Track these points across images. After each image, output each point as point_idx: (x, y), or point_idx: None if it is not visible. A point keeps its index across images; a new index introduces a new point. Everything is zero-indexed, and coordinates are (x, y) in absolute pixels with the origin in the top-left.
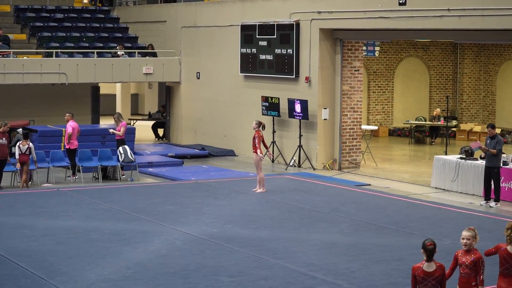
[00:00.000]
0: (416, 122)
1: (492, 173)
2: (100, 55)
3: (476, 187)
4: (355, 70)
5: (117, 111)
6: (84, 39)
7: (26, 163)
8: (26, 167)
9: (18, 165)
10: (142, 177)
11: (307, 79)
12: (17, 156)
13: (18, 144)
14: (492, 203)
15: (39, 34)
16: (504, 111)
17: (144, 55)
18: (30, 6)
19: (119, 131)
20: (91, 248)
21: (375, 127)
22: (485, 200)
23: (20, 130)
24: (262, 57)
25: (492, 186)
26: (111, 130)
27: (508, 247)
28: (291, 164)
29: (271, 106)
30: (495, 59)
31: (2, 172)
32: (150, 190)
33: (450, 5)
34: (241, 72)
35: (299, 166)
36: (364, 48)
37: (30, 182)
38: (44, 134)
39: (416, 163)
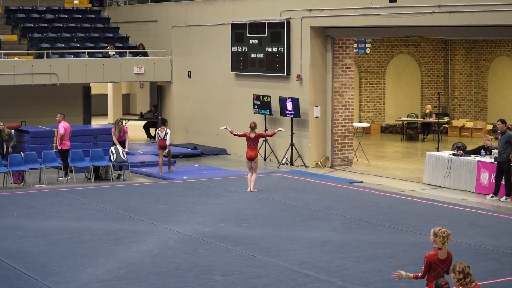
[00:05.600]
0: (408, 119)
1: (503, 168)
2: (91, 55)
3: (468, 183)
4: (346, 68)
5: (116, 118)
6: (75, 40)
7: (164, 147)
8: (162, 151)
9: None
10: (134, 177)
11: (298, 77)
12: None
13: (157, 130)
14: (503, 198)
15: (30, 35)
16: (496, 107)
17: (135, 55)
18: (20, 7)
19: (122, 137)
20: (83, 249)
21: (367, 124)
22: (493, 194)
23: (12, 131)
24: (253, 55)
25: (503, 181)
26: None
27: None
28: (283, 162)
29: (262, 104)
30: (486, 55)
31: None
32: (143, 190)
33: (441, 1)
34: (232, 71)
35: (291, 164)
36: (355, 45)
37: (22, 183)
38: (36, 135)
39: (408, 160)
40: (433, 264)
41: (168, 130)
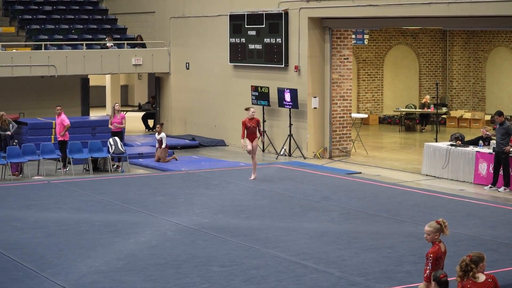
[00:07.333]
0: (406, 109)
1: (501, 158)
2: (89, 47)
3: (466, 174)
4: (344, 59)
5: (116, 102)
6: (73, 31)
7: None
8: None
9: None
10: (132, 168)
11: (297, 68)
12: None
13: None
14: (501, 188)
15: (28, 26)
16: (494, 98)
17: (133, 46)
18: None
19: (120, 123)
20: (82, 240)
21: (365, 115)
22: (491, 184)
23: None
24: (251, 46)
25: (501, 171)
26: (111, 126)
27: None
28: (281, 153)
29: (260, 95)
30: (484, 46)
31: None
32: (141, 181)
33: None
34: (230, 62)
35: (290, 155)
36: (353, 36)
37: (20, 175)
38: (34, 127)
39: (406, 151)
40: (438, 259)
41: (163, 135)
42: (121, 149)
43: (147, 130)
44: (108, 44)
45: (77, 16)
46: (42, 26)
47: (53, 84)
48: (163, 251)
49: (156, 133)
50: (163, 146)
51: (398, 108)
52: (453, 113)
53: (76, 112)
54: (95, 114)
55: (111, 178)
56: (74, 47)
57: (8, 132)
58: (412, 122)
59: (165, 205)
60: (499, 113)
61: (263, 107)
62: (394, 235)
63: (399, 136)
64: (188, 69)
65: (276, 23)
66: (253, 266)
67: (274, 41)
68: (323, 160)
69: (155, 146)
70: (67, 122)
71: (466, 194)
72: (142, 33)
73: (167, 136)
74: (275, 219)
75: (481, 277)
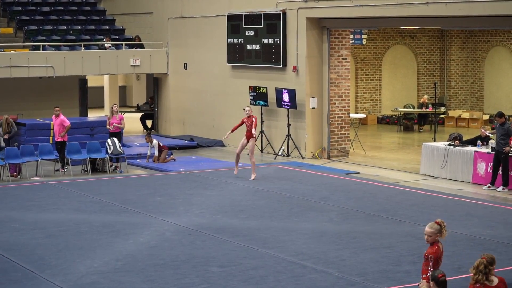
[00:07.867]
0: (405, 109)
1: (500, 158)
2: (87, 47)
3: (464, 174)
4: (342, 59)
5: (114, 103)
6: (71, 32)
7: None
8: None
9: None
10: (131, 169)
11: (295, 68)
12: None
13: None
14: (500, 188)
15: (26, 27)
16: (492, 97)
17: (131, 47)
18: (16, 0)
19: (119, 123)
20: (80, 241)
21: (364, 115)
22: (490, 183)
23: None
24: (249, 47)
25: (500, 171)
26: (110, 127)
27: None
28: (280, 153)
29: (259, 95)
30: (482, 46)
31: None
32: (139, 182)
33: None
34: (228, 62)
35: (288, 155)
36: (351, 36)
37: (19, 176)
38: (33, 128)
39: (405, 151)
40: (437, 259)
41: (154, 142)
42: (120, 149)
43: (145, 130)
44: (106, 45)
45: (75, 17)
46: (40, 27)
47: (51, 85)
48: (162, 251)
49: (149, 143)
50: (156, 153)
51: (396, 108)
52: (451, 113)
53: (75, 113)
54: (93, 115)
55: (109, 179)
56: (72, 48)
57: (6, 136)
58: (410, 122)
59: (164, 206)
60: (500, 115)
61: (261, 107)
62: (393, 235)
63: (398, 136)
64: (186, 69)
65: (274, 23)
66: (252, 266)
67: (272, 42)
68: (321, 160)
69: (147, 153)
70: (67, 122)
71: (465, 194)
72: (140, 34)
73: (165, 136)
74: (273, 219)
75: (495, 280)
